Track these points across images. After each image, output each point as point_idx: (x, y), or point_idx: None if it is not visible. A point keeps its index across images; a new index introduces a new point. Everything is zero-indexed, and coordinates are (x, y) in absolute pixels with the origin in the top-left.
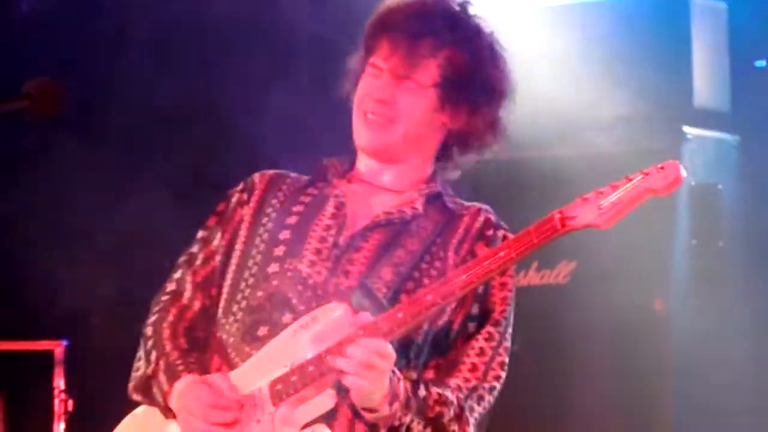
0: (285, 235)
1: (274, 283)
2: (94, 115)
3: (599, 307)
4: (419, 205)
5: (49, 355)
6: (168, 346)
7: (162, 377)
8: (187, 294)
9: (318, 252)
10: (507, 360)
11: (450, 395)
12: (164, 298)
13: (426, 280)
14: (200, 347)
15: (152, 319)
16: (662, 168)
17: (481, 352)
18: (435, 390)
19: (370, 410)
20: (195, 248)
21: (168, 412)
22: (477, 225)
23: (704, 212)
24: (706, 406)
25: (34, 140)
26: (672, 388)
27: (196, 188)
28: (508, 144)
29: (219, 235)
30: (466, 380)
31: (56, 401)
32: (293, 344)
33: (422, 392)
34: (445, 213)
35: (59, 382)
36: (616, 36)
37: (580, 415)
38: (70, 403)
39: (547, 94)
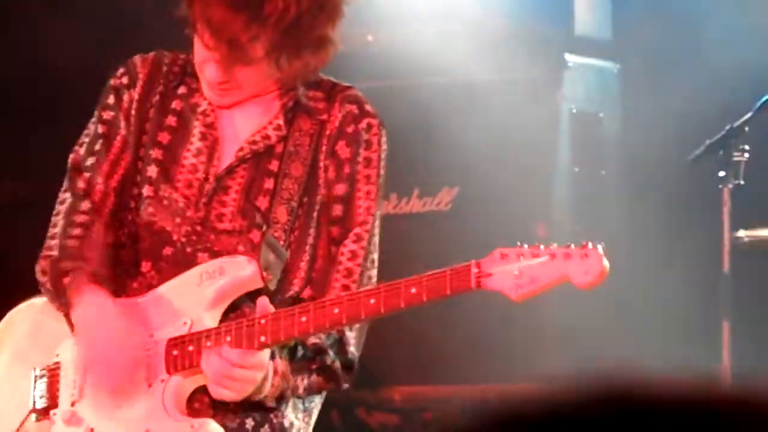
0: (157, 154)
1: (150, 210)
2: None
3: (481, 234)
4: (282, 121)
5: None
6: (93, 255)
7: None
8: (98, 195)
9: (190, 185)
10: (375, 273)
11: (324, 336)
12: (80, 203)
13: (306, 203)
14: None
15: (74, 232)
16: (586, 256)
17: (349, 273)
18: (312, 341)
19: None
20: (98, 146)
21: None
22: (337, 123)
23: (585, 140)
24: (586, 322)
25: None
26: (554, 311)
27: None
28: (384, 71)
29: (121, 128)
30: None
31: None
32: (196, 295)
33: (300, 353)
34: (312, 117)
35: None
36: None
37: (467, 338)
38: None
39: (420, 21)
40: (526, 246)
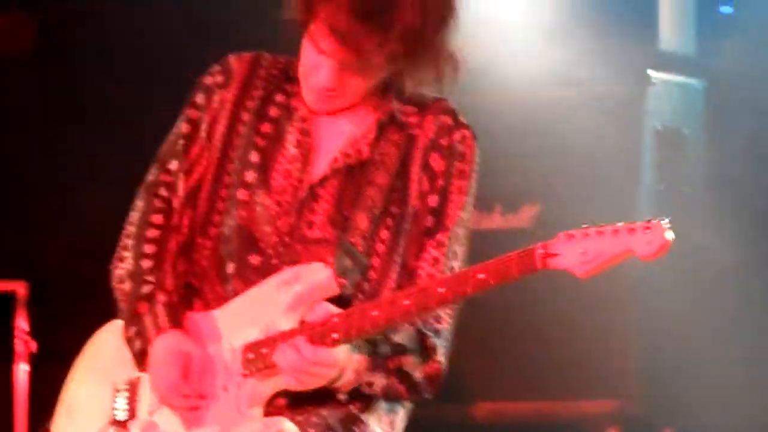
0: (255, 158)
1: (243, 213)
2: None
3: None
4: (374, 135)
5: (10, 296)
6: (169, 280)
7: (158, 318)
8: (176, 204)
9: (283, 191)
10: (460, 264)
11: (407, 340)
12: (157, 203)
13: (396, 214)
14: (183, 278)
15: (150, 234)
16: (649, 228)
17: (435, 261)
18: (395, 340)
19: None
20: (179, 146)
21: (142, 357)
22: (431, 135)
23: (670, 157)
24: (669, 341)
25: None
26: (639, 327)
27: None
28: (467, 86)
29: (202, 130)
30: None
31: (19, 342)
32: (273, 302)
33: (382, 350)
34: (403, 130)
35: (22, 324)
36: None
37: (547, 348)
38: (34, 344)
39: (508, 36)
40: (591, 228)
